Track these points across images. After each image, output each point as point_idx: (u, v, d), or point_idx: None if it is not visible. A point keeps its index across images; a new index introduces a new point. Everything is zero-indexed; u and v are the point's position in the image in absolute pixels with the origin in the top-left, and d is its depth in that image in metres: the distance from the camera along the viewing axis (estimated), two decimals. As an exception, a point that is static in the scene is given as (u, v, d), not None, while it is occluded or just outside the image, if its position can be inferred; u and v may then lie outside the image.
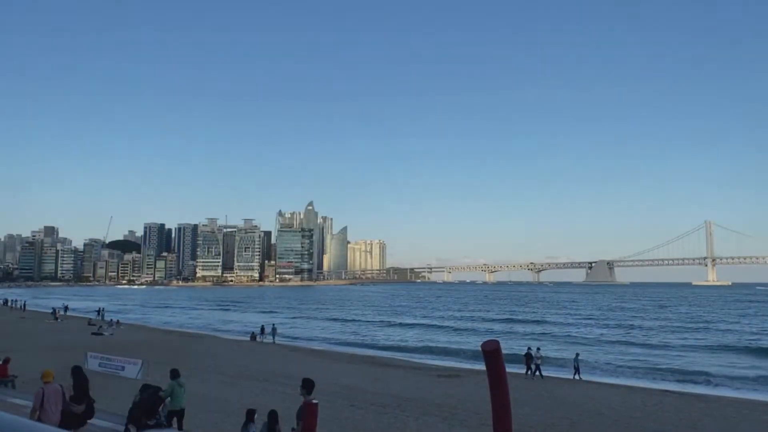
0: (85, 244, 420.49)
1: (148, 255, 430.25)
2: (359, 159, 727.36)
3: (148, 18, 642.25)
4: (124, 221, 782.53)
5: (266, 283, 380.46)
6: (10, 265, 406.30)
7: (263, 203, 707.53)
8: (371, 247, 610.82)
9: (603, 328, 64.09)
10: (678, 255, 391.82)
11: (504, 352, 8.66)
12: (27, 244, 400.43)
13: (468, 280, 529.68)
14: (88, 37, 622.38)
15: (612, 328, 63.05)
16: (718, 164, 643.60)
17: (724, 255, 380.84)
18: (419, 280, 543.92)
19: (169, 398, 12.59)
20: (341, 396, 21.76)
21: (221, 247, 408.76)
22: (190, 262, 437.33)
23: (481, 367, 14.83)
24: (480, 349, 8.04)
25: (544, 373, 29.45)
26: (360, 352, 43.44)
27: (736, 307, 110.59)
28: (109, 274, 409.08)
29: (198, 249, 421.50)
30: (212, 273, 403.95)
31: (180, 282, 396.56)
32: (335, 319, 78.79)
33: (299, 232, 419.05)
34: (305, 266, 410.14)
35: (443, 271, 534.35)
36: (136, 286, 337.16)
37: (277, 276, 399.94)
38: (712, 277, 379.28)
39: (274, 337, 47.74)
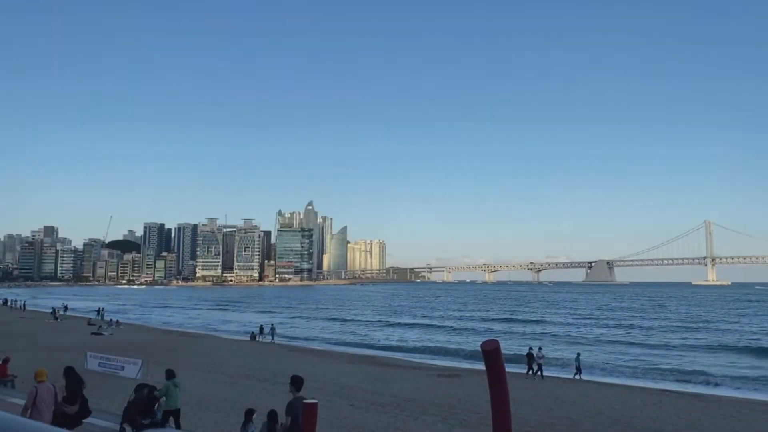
0: (84, 244, 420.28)
1: (147, 255, 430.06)
2: (359, 159, 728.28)
3: (149, 18, 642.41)
4: (123, 221, 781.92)
5: (266, 283, 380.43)
6: (10, 265, 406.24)
7: (263, 203, 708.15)
8: (371, 247, 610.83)
9: (603, 327, 64.09)
10: (678, 255, 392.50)
11: (504, 352, 8.66)
12: (27, 244, 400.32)
13: (468, 280, 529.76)
14: (88, 37, 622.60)
15: (612, 328, 63.05)
16: (717, 164, 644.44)
17: (723, 255, 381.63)
18: (419, 280, 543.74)
19: (164, 398, 12.64)
20: (341, 395, 21.77)
21: (221, 246, 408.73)
22: (190, 262, 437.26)
23: (480, 366, 14.84)
24: (479, 348, 8.05)
25: (545, 373, 29.44)
26: (359, 351, 43.45)
27: (736, 306, 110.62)
28: (109, 274, 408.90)
29: (198, 249, 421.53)
30: (212, 273, 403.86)
31: (180, 282, 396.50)
32: (335, 319, 78.76)
33: (299, 231, 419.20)
34: (305, 266, 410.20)
35: (443, 271, 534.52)
36: (135, 286, 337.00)
37: (277, 276, 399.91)
38: (711, 276, 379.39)
39: (273, 337, 47.77)
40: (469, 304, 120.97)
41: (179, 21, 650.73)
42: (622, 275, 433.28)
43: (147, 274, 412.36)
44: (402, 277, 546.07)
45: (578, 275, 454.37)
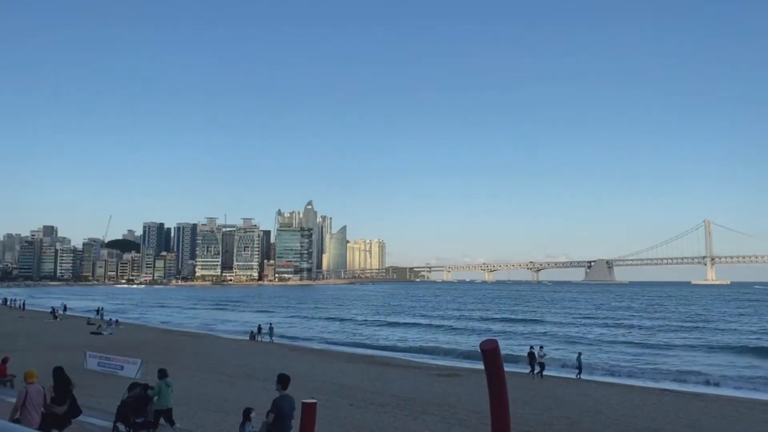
0: (84, 244, 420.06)
1: (147, 254, 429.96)
2: (358, 158, 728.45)
3: (148, 17, 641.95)
4: (123, 221, 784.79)
5: (265, 283, 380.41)
6: (9, 265, 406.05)
7: (262, 202, 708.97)
8: (370, 247, 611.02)
9: (602, 327, 64.12)
10: (677, 254, 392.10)
11: (503, 352, 8.66)
12: (26, 244, 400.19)
13: (467, 280, 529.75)
14: (87, 36, 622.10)
15: (611, 328, 63.07)
16: (717, 164, 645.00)
17: (723, 254, 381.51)
18: (418, 280, 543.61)
19: (156, 397, 12.70)
20: (340, 395, 21.76)
21: (220, 246, 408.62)
22: (190, 262, 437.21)
23: (480, 366, 14.84)
24: (479, 348, 8.05)
25: (545, 373, 29.46)
26: (359, 351, 43.45)
27: (735, 306, 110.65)
28: (109, 273, 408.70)
29: (197, 248, 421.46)
30: (211, 272, 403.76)
31: (179, 281, 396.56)
32: (334, 319, 78.76)
33: (298, 231, 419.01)
34: (304, 265, 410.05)
35: (442, 271, 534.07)
36: (135, 286, 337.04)
37: (277, 275, 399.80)
38: (711, 276, 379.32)
39: (271, 337, 47.76)
40: (469, 304, 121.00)
41: (179, 21, 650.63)
42: (621, 275, 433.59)
43: (146, 273, 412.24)
44: (401, 277, 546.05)
45: (578, 275, 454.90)
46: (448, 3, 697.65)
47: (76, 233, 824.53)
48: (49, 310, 73.14)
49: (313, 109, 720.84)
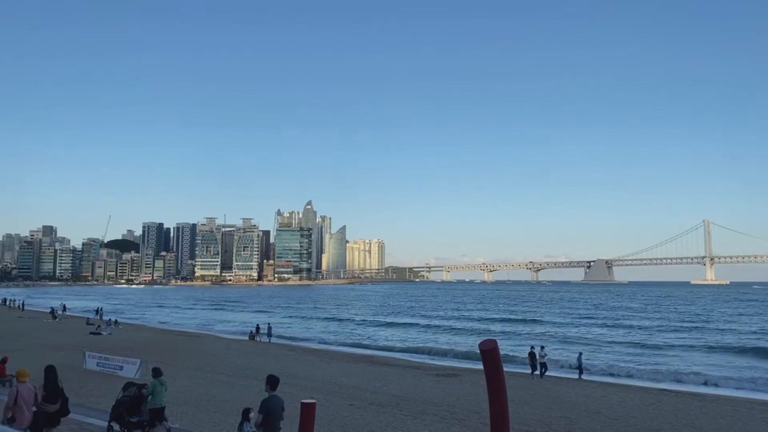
0: (83, 244, 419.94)
1: (146, 254, 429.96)
2: (358, 158, 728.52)
3: (148, 16, 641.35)
4: (122, 220, 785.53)
5: (265, 283, 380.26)
6: (9, 265, 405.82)
7: (262, 202, 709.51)
8: (370, 247, 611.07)
9: (601, 327, 64.16)
10: (676, 254, 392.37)
11: (502, 352, 8.66)
12: (25, 244, 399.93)
13: (467, 280, 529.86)
14: (86, 36, 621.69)
15: (610, 328, 63.11)
16: (716, 164, 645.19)
17: (722, 254, 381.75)
18: (418, 280, 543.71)
19: (150, 396, 12.73)
20: (339, 395, 21.76)
21: (220, 246, 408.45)
22: (189, 262, 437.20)
23: (479, 366, 14.85)
24: (478, 348, 8.05)
25: (547, 374, 29.46)
26: (358, 351, 43.43)
27: (734, 306, 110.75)
28: (108, 273, 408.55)
29: (196, 248, 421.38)
30: (211, 272, 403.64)
31: (179, 281, 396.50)
32: (333, 319, 78.76)
33: (298, 231, 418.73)
34: (304, 265, 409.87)
35: (442, 271, 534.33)
36: (134, 286, 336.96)
37: (276, 275, 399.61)
38: (710, 276, 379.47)
39: (269, 337, 47.73)
40: (468, 304, 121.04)
41: (179, 20, 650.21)
42: (620, 275, 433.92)
43: (146, 273, 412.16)
44: (401, 277, 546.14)
45: (577, 275, 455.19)
46: (448, 4, 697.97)
47: (75, 233, 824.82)
48: (48, 310, 73.11)
49: (312, 109, 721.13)
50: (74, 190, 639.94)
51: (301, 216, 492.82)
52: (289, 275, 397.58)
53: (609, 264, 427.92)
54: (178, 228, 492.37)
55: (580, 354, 31.62)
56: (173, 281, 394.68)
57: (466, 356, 39.22)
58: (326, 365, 31.96)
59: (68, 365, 25.61)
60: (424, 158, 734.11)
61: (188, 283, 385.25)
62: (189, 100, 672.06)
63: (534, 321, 73.20)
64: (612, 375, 32.44)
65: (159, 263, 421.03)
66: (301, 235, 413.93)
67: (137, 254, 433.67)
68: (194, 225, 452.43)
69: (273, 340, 47.84)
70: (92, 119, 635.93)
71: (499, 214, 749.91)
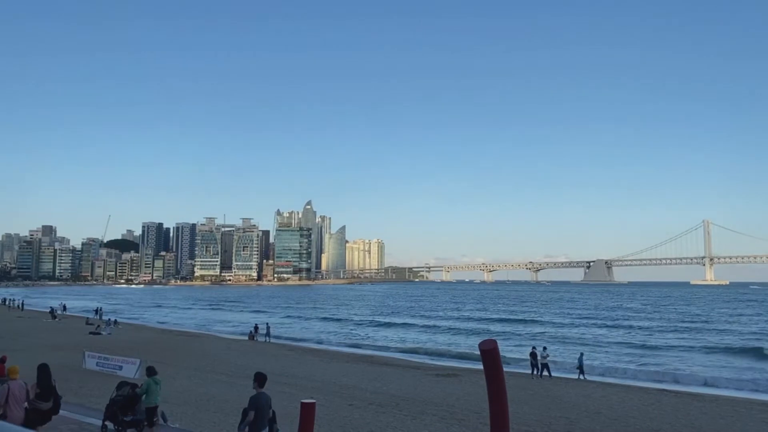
0: (83, 244, 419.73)
1: (146, 254, 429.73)
2: (357, 158, 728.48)
3: (147, 15, 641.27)
4: (122, 220, 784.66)
5: (264, 283, 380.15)
6: (8, 265, 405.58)
7: (261, 202, 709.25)
8: (369, 247, 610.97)
9: (601, 327, 64.15)
10: (676, 254, 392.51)
11: (502, 354, 8.67)
12: (25, 244, 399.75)
13: (467, 280, 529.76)
14: (86, 36, 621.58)
15: (610, 328, 63.11)
16: (716, 164, 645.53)
17: (722, 254, 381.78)
18: (417, 280, 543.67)
19: (144, 395, 12.76)
20: (339, 395, 21.77)
21: (219, 246, 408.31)
22: (189, 262, 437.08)
23: (479, 366, 14.86)
24: (478, 348, 8.05)
25: (543, 373, 29.48)
26: (358, 351, 43.43)
27: (734, 306, 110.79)
28: (107, 273, 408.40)
29: (196, 248, 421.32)
30: (210, 272, 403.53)
31: (178, 281, 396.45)
32: (333, 319, 78.75)
33: (297, 231, 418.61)
34: (303, 265, 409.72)
35: (441, 271, 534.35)
36: (134, 286, 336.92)
37: (276, 275, 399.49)
38: (709, 276, 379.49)
39: (268, 337, 47.72)
40: (467, 304, 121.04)
41: (178, 22, 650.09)
42: (620, 275, 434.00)
43: (145, 273, 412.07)
44: (400, 277, 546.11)
45: (577, 275, 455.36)
46: (448, 4, 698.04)
47: (74, 233, 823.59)
48: (48, 309, 73.08)
49: (312, 109, 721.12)
50: (74, 189, 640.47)
51: (300, 216, 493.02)
52: (289, 275, 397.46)
53: (609, 264, 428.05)
54: (177, 228, 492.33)
55: (582, 354, 31.60)
56: (173, 281, 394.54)
57: (466, 356, 39.22)
58: (326, 365, 31.96)
59: (68, 365, 25.63)
60: (424, 158, 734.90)
61: (188, 283, 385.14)
62: (189, 100, 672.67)
63: (533, 321, 73.18)
64: (611, 375, 32.44)
65: (158, 263, 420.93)
66: (301, 235, 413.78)
67: (137, 254, 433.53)
68: (194, 225, 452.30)
69: (273, 340, 47.82)
70: (92, 119, 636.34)
71: (499, 214, 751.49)
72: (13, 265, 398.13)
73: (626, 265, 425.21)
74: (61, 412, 11.60)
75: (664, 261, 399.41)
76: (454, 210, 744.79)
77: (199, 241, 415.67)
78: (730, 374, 32.46)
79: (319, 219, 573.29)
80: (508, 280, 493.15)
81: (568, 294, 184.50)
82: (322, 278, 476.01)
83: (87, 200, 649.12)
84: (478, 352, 7.97)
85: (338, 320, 76.62)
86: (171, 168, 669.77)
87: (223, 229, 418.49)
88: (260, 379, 10.05)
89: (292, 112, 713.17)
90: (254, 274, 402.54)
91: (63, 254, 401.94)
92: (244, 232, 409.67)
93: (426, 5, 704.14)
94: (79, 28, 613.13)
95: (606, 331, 60.25)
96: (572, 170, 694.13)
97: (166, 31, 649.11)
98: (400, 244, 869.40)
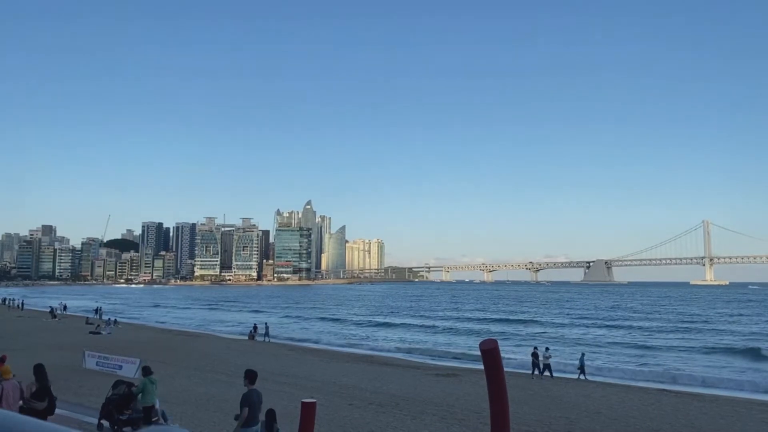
0: (82, 243, 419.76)
1: (146, 254, 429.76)
2: (357, 158, 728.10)
3: (147, 14, 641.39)
4: (121, 220, 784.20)
5: (264, 283, 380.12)
6: (8, 264, 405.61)
7: (261, 202, 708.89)
8: (369, 246, 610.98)
9: (600, 327, 64.17)
10: (676, 254, 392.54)
11: (502, 353, 8.65)
12: (25, 243, 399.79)
13: (466, 280, 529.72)
14: (88, 38, 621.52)
15: (609, 328, 63.13)
16: (716, 164, 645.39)
17: (721, 255, 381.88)
18: (417, 280, 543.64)
19: (140, 394, 12.76)
20: (339, 395, 21.76)
21: (219, 246, 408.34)
22: (188, 261, 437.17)
23: (479, 366, 14.88)
24: (478, 348, 8.03)
25: (545, 374, 29.48)
26: (357, 351, 43.40)
27: (733, 306, 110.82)
28: (107, 273, 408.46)
29: (196, 248, 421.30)
30: (210, 272, 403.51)
31: (178, 281, 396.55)
32: (332, 319, 78.74)
33: (297, 231, 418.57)
34: (303, 265, 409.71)
35: (441, 271, 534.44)
36: (134, 285, 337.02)
37: (276, 275, 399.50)
38: (709, 276, 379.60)
39: (267, 337, 47.70)
40: (467, 304, 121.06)
41: (178, 22, 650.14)
42: (620, 275, 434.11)
43: (145, 273, 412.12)
44: (400, 277, 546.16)
45: (577, 275, 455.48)
46: (448, 4, 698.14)
47: (74, 233, 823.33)
48: (48, 309, 73.05)
49: (311, 109, 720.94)
50: (73, 189, 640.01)
51: (300, 216, 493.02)
52: (289, 275, 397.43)
53: (608, 264, 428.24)
54: (177, 227, 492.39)
55: (583, 354, 31.59)
56: (172, 281, 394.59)
57: (466, 356, 39.20)
58: (326, 365, 31.94)
59: (68, 365, 25.63)
60: (424, 158, 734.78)
61: (188, 282, 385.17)
62: (189, 99, 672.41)
63: (533, 321, 73.18)
64: (611, 375, 32.43)
65: (158, 263, 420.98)
66: (301, 235, 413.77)
67: (136, 254, 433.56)
68: (194, 225, 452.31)
69: (272, 340, 47.79)
70: (92, 118, 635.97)
71: (499, 214, 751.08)
72: (13, 265, 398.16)
73: (626, 265, 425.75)
74: (59, 411, 11.61)
75: (663, 261, 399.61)
76: (454, 210, 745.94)
77: (198, 241, 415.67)
78: (729, 374, 32.47)
79: (319, 219, 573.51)
80: (508, 280, 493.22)
81: (567, 294, 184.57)
82: (321, 278, 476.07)
83: (87, 200, 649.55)
84: (477, 352, 7.96)
85: (338, 320, 76.59)
86: (171, 168, 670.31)
87: (223, 229, 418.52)
88: (251, 376, 10.16)
89: (292, 112, 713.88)
90: (254, 274, 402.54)
91: (63, 254, 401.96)
92: (244, 231, 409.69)
93: (426, 5, 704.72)
94: (79, 27, 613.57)
95: (606, 331, 60.27)
96: (572, 170, 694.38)
97: (166, 30, 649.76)
98: (400, 244, 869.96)
